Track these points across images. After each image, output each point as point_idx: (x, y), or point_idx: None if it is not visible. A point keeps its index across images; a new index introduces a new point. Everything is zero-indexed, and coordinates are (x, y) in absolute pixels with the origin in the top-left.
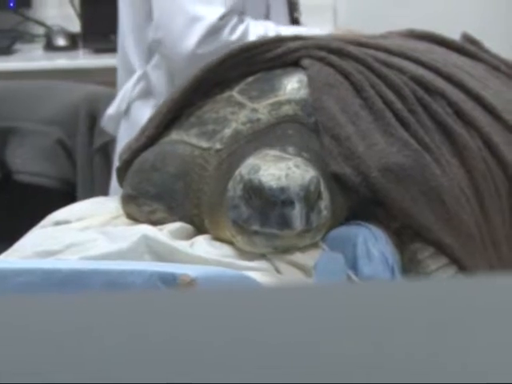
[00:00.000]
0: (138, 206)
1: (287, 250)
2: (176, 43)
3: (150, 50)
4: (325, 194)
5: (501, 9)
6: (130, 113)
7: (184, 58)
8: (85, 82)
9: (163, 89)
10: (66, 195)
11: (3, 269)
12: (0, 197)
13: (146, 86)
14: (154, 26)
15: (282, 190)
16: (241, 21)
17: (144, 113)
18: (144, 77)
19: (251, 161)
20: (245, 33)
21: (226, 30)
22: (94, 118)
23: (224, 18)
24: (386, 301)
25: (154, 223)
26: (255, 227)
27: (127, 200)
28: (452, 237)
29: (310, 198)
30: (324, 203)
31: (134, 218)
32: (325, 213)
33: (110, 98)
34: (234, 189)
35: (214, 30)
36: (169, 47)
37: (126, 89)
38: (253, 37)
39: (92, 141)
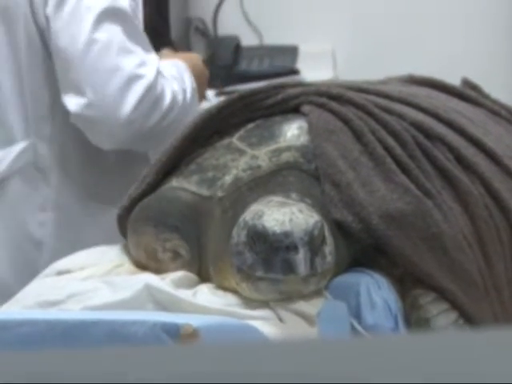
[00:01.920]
0: (154, 235)
1: (290, 298)
2: (112, 107)
3: (41, 121)
4: (329, 240)
5: (501, 53)
6: (7, 189)
7: (122, 123)
8: None
9: (53, 163)
10: None
11: (5, 319)
12: None
13: (31, 159)
14: (79, 91)
15: (286, 234)
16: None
17: (25, 189)
18: (30, 149)
19: (255, 207)
20: (167, 86)
21: (159, 88)
22: None
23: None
24: (387, 358)
25: (168, 250)
26: (260, 273)
27: (142, 230)
28: (454, 283)
29: (314, 243)
30: (328, 248)
31: (141, 264)
32: (329, 258)
33: None
34: (238, 235)
35: (150, 89)
36: (104, 111)
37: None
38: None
39: None
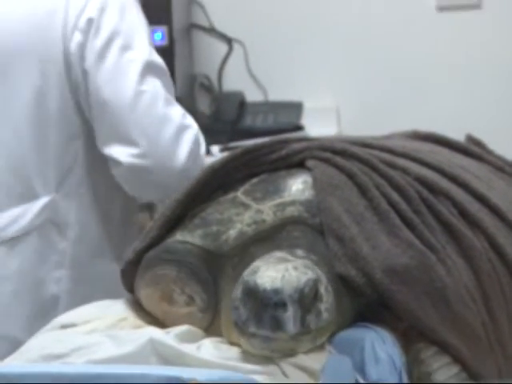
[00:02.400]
0: (173, 288)
1: (290, 354)
2: (167, 156)
3: (62, 176)
4: (326, 297)
5: (504, 110)
6: (25, 246)
7: (178, 172)
8: None
9: (72, 218)
10: None
11: (9, 373)
12: None
13: (50, 215)
14: (131, 142)
15: (276, 291)
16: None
17: (42, 246)
18: (50, 204)
19: (255, 263)
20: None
21: (201, 138)
22: None
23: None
24: None
25: (185, 294)
26: (252, 329)
27: (159, 279)
28: (457, 338)
29: (304, 301)
30: (325, 306)
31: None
32: (326, 315)
33: None
34: (236, 290)
35: (197, 139)
36: (159, 160)
37: (18, 216)
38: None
39: None
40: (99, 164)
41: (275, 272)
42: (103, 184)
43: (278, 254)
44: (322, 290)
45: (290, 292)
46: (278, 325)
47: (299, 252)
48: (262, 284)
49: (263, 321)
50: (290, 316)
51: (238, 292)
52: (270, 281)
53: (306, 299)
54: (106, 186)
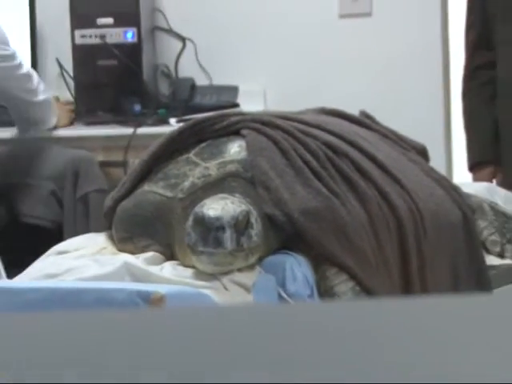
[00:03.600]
0: (134, 244)
1: (231, 271)
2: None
3: None
4: (256, 225)
5: (389, 91)
6: None
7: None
8: (75, 147)
9: None
10: (56, 233)
11: (16, 287)
12: (11, 233)
13: None
14: None
15: (217, 218)
16: None
17: None
18: None
19: (204, 201)
20: None
21: None
22: (76, 175)
23: None
24: (303, 318)
25: (145, 251)
26: (200, 248)
27: (125, 241)
28: (353, 261)
29: (238, 226)
30: (254, 232)
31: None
32: (255, 239)
33: (90, 161)
34: (188, 221)
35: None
36: None
37: None
38: None
39: (75, 192)
40: None
41: (217, 205)
42: None
43: (221, 195)
44: (252, 219)
45: (227, 219)
46: (218, 243)
47: (237, 195)
48: (208, 213)
49: (208, 240)
50: (227, 236)
51: (189, 222)
52: (214, 211)
53: (240, 224)
54: None
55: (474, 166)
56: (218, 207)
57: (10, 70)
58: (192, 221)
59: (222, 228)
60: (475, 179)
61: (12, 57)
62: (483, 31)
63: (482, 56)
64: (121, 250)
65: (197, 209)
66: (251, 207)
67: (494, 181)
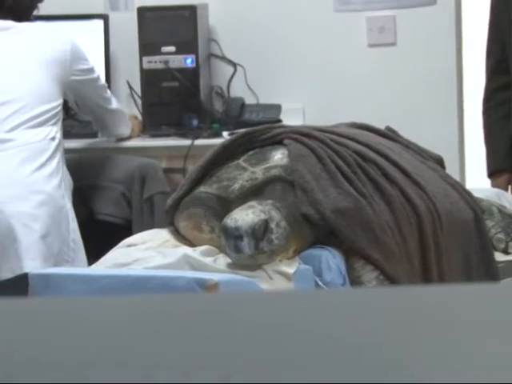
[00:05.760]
0: (204, 213)
1: (274, 262)
2: None
3: None
4: (276, 230)
5: (411, 110)
6: None
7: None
8: (143, 155)
9: None
10: (125, 229)
11: (93, 274)
12: (87, 229)
13: None
14: None
15: (236, 228)
16: None
17: None
18: None
19: (235, 210)
20: None
21: None
22: (143, 179)
23: None
24: (338, 303)
25: (208, 225)
26: (227, 251)
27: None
28: (378, 253)
29: (255, 233)
30: (275, 235)
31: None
32: (276, 242)
33: (155, 168)
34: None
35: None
36: None
37: None
38: None
39: (142, 194)
40: None
41: (239, 215)
42: None
43: (251, 203)
44: (272, 225)
45: (245, 228)
46: (238, 249)
47: (268, 201)
48: (230, 224)
49: (230, 246)
50: (245, 244)
51: (220, 231)
52: (234, 221)
53: (257, 232)
54: None
55: (492, 174)
56: (238, 218)
57: (92, 81)
58: (220, 229)
59: (240, 237)
60: (493, 185)
61: (92, 70)
62: (501, 58)
63: (498, 80)
64: (186, 221)
65: (224, 219)
66: (274, 213)
67: (510, 187)
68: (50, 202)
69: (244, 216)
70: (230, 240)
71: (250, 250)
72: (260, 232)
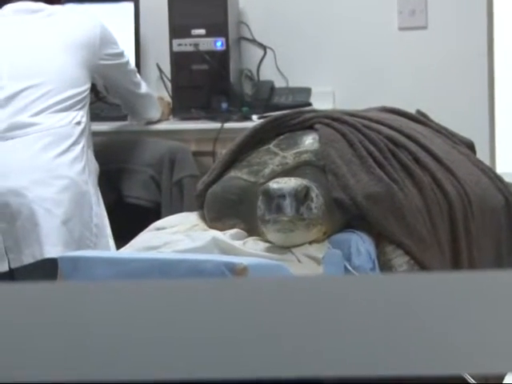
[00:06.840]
0: (222, 223)
1: (303, 245)
2: None
3: None
4: (316, 200)
5: (442, 95)
6: None
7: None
8: (172, 139)
9: None
10: (154, 212)
11: (123, 257)
12: (117, 211)
13: None
14: None
15: (279, 189)
16: None
17: None
18: None
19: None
20: None
21: None
22: (173, 163)
23: None
24: (367, 287)
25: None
26: (267, 216)
27: (214, 220)
28: (409, 239)
29: (298, 195)
30: (314, 205)
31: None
32: (315, 211)
33: (184, 151)
34: (259, 198)
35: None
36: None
37: None
38: None
39: (172, 177)
40: None
41: (281, 181)
42: None
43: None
44: (312, 194)
45: (288, 189)
46: (280, 209)
47: (306, 180)
48: (272, 186)
49: (272, 208)
50: (287, 203)
51: (260, 198)
52: (277, 184)
53: (299, 195)
54: None
55: None
56: (281, 181)
57: (122, 66)
58: (261, 195)
59: (282, 196)
60: None
61: (122, 54)
62: None
63: None
64: (210, 227)
65: (265, 185)
66: (314, 187)
67: None
68: (72, 187)
69: (286, 180)
70: (273, 201)
71: (292, 211)
72: (302, 195)
